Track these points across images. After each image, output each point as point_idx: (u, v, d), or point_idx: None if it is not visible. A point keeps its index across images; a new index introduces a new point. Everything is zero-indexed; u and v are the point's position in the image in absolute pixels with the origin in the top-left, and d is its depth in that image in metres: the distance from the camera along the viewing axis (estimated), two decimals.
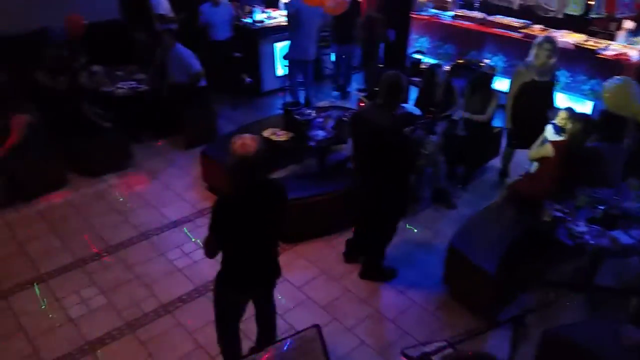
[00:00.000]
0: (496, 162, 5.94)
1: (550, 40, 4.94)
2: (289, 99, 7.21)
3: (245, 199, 2.76)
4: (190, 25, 7.19)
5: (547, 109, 4.86)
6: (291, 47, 6.83)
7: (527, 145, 4.64)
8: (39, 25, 6.07)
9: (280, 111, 5.83)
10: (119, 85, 6.18)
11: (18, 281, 4.25)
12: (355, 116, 3.98)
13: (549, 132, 4.46)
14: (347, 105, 6.64)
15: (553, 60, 4.93)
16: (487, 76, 5.48)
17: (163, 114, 6.40)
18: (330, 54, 7.74)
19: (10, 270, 4.37)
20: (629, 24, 6.48)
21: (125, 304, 4.06)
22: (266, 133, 5.41)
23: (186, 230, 4.87)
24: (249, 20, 7.49)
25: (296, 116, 5.35)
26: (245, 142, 2.63)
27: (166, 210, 5.16)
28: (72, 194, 5.42)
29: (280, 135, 5.39)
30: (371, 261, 4.32)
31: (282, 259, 3.20)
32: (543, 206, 3.88)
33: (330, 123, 5.26)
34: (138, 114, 6.29)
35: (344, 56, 7.54)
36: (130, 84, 6.24)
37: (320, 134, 5.18)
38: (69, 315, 3.94)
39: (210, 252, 2.89)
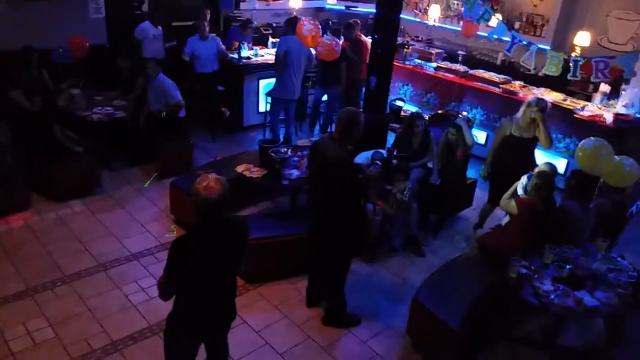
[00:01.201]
0: (468, 212, 5.93)
1: (540, 103, 5.00)
2: (269, 135, 7.19)
3: (204, 237, 2.69)
4: (176, 56, 7.23)
5: (528, 166, 4.89)
6: (277, 85, 6.86)
7: None
8: (22, 45, 6.01)
9: (257, 147, 5.79)
10: (95, 110, 6.11)
11: None
12: (313, 146, 4.01)
13: (520, 185, 4.47)
14: None
15: (535, 119, 4.99)
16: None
17: (138, 142, 6.32)
18: (313, 95, 7.80)
19: None
20: (605, 87, 6.67)
21: (73, 338, 3.85)
22: (240, 168, 5.33)
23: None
24: (235, 56, 7.54)
25: (271, 154, 5.29)
26: (209, 185, 2.60)
27: (128, 242, 4.99)
28: (34, 217, 5.24)
29: (254, 172, 5.31)
30: (333, 306, 4.20)
31: (243, 300, 3.12)
32: (510, 262, 3.82)
33: (306, 163, 5.21)
34: (112, 141, 6.20)
35: (326, 98, 7.59)
36: (108, 110, 6.18)
37: (295, 173, 5.12)
38: (11, 349, 3.71)
39: (164, 295, 2.79)
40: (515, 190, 4.56)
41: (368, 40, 7.19)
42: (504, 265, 3.88)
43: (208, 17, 7.54)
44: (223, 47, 7.33)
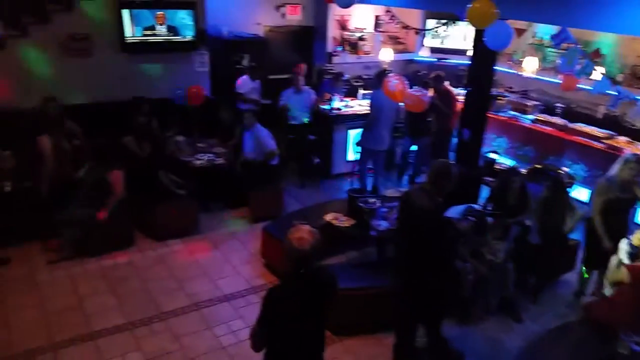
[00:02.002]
0: (570, 276, 5.52)
1: (633, 156, 4.67)
2: (357, 184, 7.26)
3: (294, 288, 2.74)
4: (271, 107, 7.62)
5: (625, 228, 4.52)
6: (367, 136, 6.95)
7: (605, 265, 4.28)
8: (134, 95, 6.62)
9: (346, 196, 5.85)
10: (197, 157, 6.52)
11: (71, 335, 4.34)
12: (403, 196, 3.99)
13: (623, 252, 4.10)
14: None
15: (635, 178, 4.64)
16: (564, 185, 5.24)
17: (233, 187, 6.62)
18: (402, 145, 7.83)
19: (65, 323, 4.49)
20: None
21: None
22: (328, 217, 5.41)
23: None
24: (327, 107, 7.79)
25: (360, 204, 5.32)
26: (303, 237, 2.65)
27: (221, 283, 5.17)
28: (136, 255, 5.59)
29: (342, 221, 5.36)
30: None
31: (328, 353, 3.04)
32: (620, 336, 3.47)
33: (395, 214, 5.17)
34: (210, 185, 6.55)
35: (416, 148, 7.57)
36: (209, 156, 6.57)
37: (383, 224, 5.09)
38: None
39: (256, 345, 2.81)
40: (619, 261, 4.18)
41: (456, 91, 7.19)
42: (612, 339, 3.54)
43: (304, 71, 7.90)
44: (315, 97, 7.61)
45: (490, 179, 6.20)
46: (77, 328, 4.42)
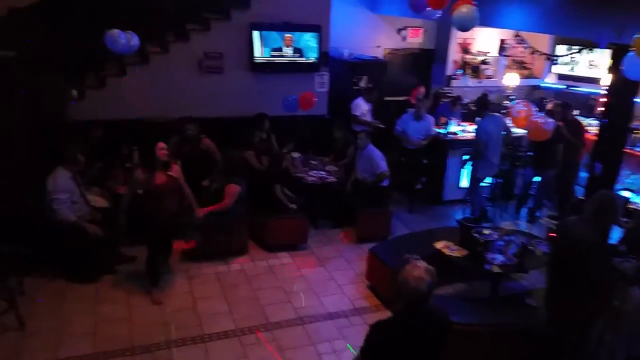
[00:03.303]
0: None
1: None
2: (468, 213, 6.99)
3: (406, 327, 2.64)
4: (386, 130, 7.63)
5: None
6: (476, 164, 6.78)
7: None
8: (257, 112, 6.99)
9: (456, 224, 5.65)
10: (310, 173, 6.70)
11: (184, 335, 4.62)
12: (560, 225, 3.83)
13: None
14: (534, 231, 6.13)
15: None
16: None
17: (342, 205, 6.69)
18: (524, 175, 7.41)
19: (180, 323, 4.79)
20: None
21: None
22: (439, 245, 5.23)
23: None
24: (442, 130, 7.62)
25: (474, 234, 5.09)
26: (421, 276, 2.53)
27: (326, 300, 5.21)
28: (248, 263, 5.85)
29: (453, 250, 5.16)
30: None
31: None
32: None
33: (512, 249, 4.88)
34: (321, 202, 6.68)
35: (539, 180, 7.12)
36: (321, 174, 6.72)
37: (499, 258, 4.81)
38: None
39: None
40: None
41: (585, 121, 6.69)
42: None
43: (423, 94, 7.82)
44: (434, 132, 7.46)
45: (624, 219, 5.62)
46: (190, 329, 4.70)
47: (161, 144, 4.93)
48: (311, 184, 6.54)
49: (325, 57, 7.64)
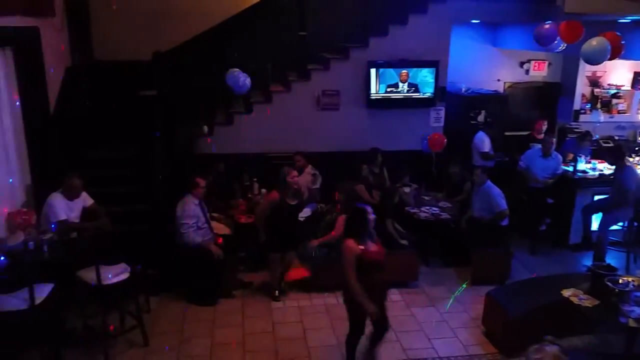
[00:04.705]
0: None
1: None
2: (599, 259, 6.35)
3: None
4: (507, 165, 7.29)
5: None
6: (607, 215, 6.39)
7: None
8: (371, 147, 7.06)
9: (585, 270, 5.15)
10: (423, 209, 6.57)
11: None
12: None
13: None
14: None
15: None
16: None
17: (456, 244, 6.44)
18: None
19: (288, 352, 4.87)
20: None
21: None
22: (567, 292, 4.80)
23: None
24: (570, 168, 7.09)
25: (608, 282, 4.60)
26: None
27: (437, 343, 4.99)
28: None
29: (583, 300, 4.70)
30: None
31: None
32: None
33: None
34: (433, 239, 6.49)
35: None
36: (434, 210, 6.56)
37: (637, 310, 4.29)
38: None
39: None
40: None
41: None
42: None
43: (544, 128, 7.40)
44: (562, 170, 7.03)
45: None
46: (298, 359, 4.76)
47: (293, 172, 5.60)
48: (424, 220, 6.40)
49: (442, 92, 7.56)
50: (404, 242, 6.18)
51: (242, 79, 6.37)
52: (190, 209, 5.41)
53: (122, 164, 6.22)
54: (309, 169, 6.83)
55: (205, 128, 6.93)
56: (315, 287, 5.85)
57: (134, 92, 6.50)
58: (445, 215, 6.47)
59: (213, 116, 7.24)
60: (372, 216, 4.18)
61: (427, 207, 6.63)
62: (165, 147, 6.04)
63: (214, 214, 6.11)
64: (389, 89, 7.37)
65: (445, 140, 7.13)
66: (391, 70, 7.32)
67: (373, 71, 7.23)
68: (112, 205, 5.52)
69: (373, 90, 7.31)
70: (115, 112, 6.59)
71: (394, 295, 5.85)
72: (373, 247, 4.18)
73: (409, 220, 6.51)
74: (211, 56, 6.81)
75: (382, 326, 4.36)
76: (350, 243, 4.07)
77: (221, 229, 5.99)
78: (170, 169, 6.06)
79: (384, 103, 7.42)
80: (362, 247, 4.06)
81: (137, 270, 4.87)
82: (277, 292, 5.74)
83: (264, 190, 6.50)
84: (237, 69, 6.36)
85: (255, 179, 6.67)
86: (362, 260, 4.04)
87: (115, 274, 4.60)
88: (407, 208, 6.65)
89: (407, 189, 6.94)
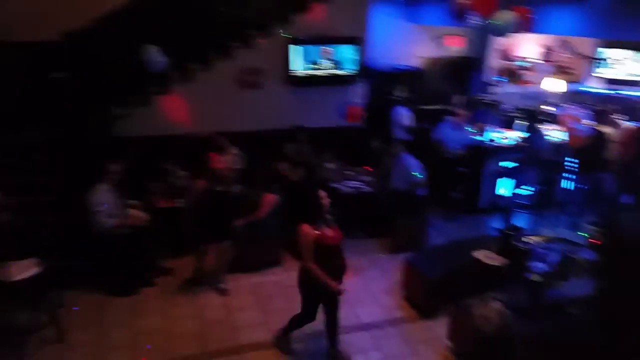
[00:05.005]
0: None
1: None
2: (504, 220, 6.80)
3: None
4: (422, 136, 7.55)
5: None
6: (516, 170, 6.72)
7: None
8: (294, 124, 7.07)
9: (495, 232, 5.49)
10: (346, 184, 6.69)
11: (220, 347, 4.68)
12: (610, 224, 3.79)
13: None
14: (575, 239, 5.87)
15: None
16: None
17: (378, 215, 6.63)
18: (567, 182, 7.15)
19: (216, 334, 4.86)
20: None
21: None
22: (478, 254, 5.12)
23: None
24: (480, 138, 7.46)
25: (515, 242, 4.94)
26: (488, 316, 2.36)
27: (360, 311, 5.16)
28: (282, 274, 5.87)
29: (493, 259, 5.02)
30: None
31: None
32: None
33: (554, 256, 4.71)
34: (356, 212, 6.64)
35: (584, 186, 6.86)
36: (356, 184, 6.70)
37: (540, 266, 4.65)
38: None
39: None
40: None
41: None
42: None
43: (457, 100, 7.72)
44: (471, 140, 7.37)
45: None
46: (226, 340, 4.77)
47: (218, 157, 5.31)
48: (346, 194, 6.53)
49: (363, 68, 7.66)
50: (329, 217, 6.26)
51: (158, 57, 6.13)
52: (102, 195, 5.19)
53: (31, 151, 5.83)
54: (231, 150, 6.74)
55: (119, 110, 6.62)
56: (241, 267, 5.82)
57: (44, 75, 6.07)
58: (366, 189, 6.63)
59: (129, 98, 6.92)
60: (326, 200, 4.10)
61: (350, 182, 6.76)
62: (77, 132, 5.71)
63: (131, 201, 5.90)
64: (310, 66, 7.37)
65: (362, 111, 7.18)
66: (312, 47, 7.30)
67: (294, 48, 7.19)
68: (21, 196, 5.20)
69: (295, 67, 7.28)
70: (23, 96, 6.14)
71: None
72: (329, 232, 4.12)
73: (333, 195, 6.59)
74: (126, 35, 6.46)
75: (334, 313, 4.33)
76: (306, 228, 4.01)
77: (138, 215, 5.79)
78: (84, 154, 5.76)
79: (307, 80, 7.41)
80: (318, 232, 3.99)
81: (48, 264, 4.63)
82: (221, 284, 5.54)
83: (184, 173, 6.34)
84: (154, 47, 6.11)
85: (175, 162, 6.49)
86: (319, 245, 3.98)
87: (22, 270, 4.36)
88: (330, 183, 6.74)
89: (330, 165, 7.03)
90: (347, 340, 4.70)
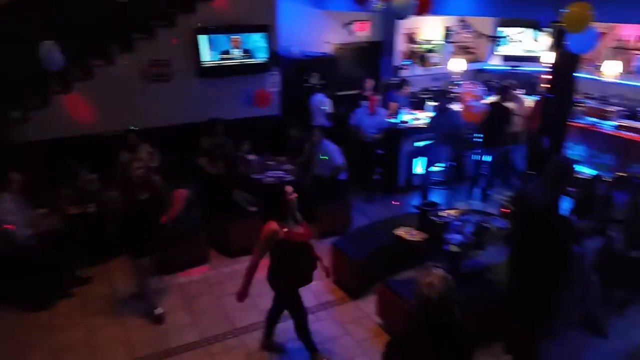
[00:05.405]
0: None
1: None
2: (424, 197, 7.13)
3: (420, 344, 2.48)
4: (341, 122, 7.68)
5: None
6: (429, 148, 7.08)
7: None
8: (210, 117, 6.90)
9: (415, 210, 5.73)
10: (268, 174, 6.65)
11: (149, 352, 4.52)
12: (518, 195, 4.00)
13: None
14: (488, 209, 6.28)
15: None
16: None
17: (303, 203, 6.64)
18: (474, 156, 7.60)
19: (144, 339, 4.68)
20: None
21: None
22: (399, 231, 5.31)
23: None
24: (394, 120, 7.71)
25: (432, 217, 5.18)
26: (432, 283, 2.41)
27: None
28: (210, 271, 5.76)
29: (413, 235, 5.24)
30: None
31: None
32: None
33: (469, 227, 4.99)
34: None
35: (489, 159, 7.32)
36: (278, 174, 6.68)
37: (457, 237, 4.91)
38: None
39: None
40: None
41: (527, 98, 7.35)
42: None
43: (370, 85, 7.91)
44: (387, 124, 7.55)
45: (572, 189, 5.82)
46: (155, 344, 4.60)
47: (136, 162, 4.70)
48: (269, 185, 6.50)
49: (275, 56, 7.61)
50: (253, 209, 6.22)
51: (55, 53, 5.68)
52: (6, 206, 4.79)
53: None
54: (145, 147, 6.45)
55: (17, 114, 6.11)
56: (165, 268, 5.61)
57: None
58: (289, 177, 6.64)
59: (27, 99, 6.39)
60: (293, 196, 3.95)
61: (272, 172, 6.74)
62: None
63: (40, 210, 5.49)
64: (221, 56, 7.21)
65: (270, 95, 7.10)
66: (222, 37, 7.13)
67: (202, 38, 6.98)
68: None
69: (205, 58, 7.08)
70: None
71: (248, 262, 5.89)
72: (298, 229, 3.98)
73: (256, 187, 6.55)
74: (19, 30, 5.93)
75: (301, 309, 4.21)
76: (273, 225, 3.81)
77: (48, 224, 5.40)
78: None
79: (218, 71, 7.24)
80: (285, 229, 3.83)
81: None
82: (156, 309, 4.97)
83: (93, 176, 5.99)
84: (51, 42, 5.65)
85: (82, 165, 6.10)
86: (288, 242, 3.82)
87: None
88: (252, 175, 6.67)
89: (251, 156, 6.96)
90: (281, 329, 4.71)
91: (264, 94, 7.05)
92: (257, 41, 7.37)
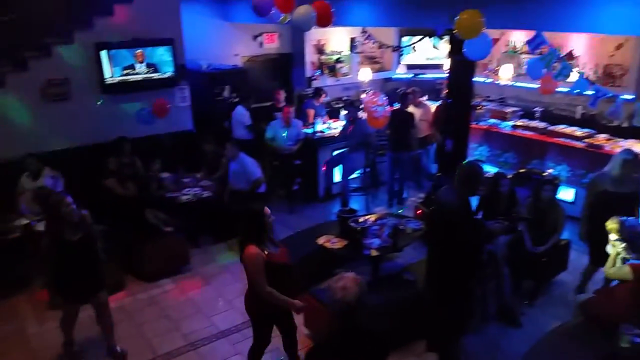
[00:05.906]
0: (564, 276, 5.54)
1: (630, 153, 4.76)
2: (344, 205, 7.26)
3: (339, 348, 2.54)
4: (258, 134, 7.66)
5: None
6: (344, 157, 7.28)
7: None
8: (116, 136, 6.58)
9: (335, 217, 5.82)
10: (184, 192, 6.46)
11: None
12: (431, 199, 4.07)
13: (621, 248, 4.09)
14: (404, 212, 6.55)
15: (633, 174, 4.71)
16: (552, 186, 5.27)
17: (223, 218, 6.55)
18: (386, 162, 7.88)
19: None
20: None
21: None
22: (321, 240, 5.35)
23: None
24: (309, 130, 7.81)
25: (351, 224, 5.29)
26: (346, 286, 2.49)
27: (216, 319, 5.07)
28: (127, 298, 5.47)
29: (334, 243, 5.30)
30: None
31: None
32: (620, 330, 3.45)
33: (386, 231, 5.14)
34: (199, 219, 6.47)
35: (399, 163, 7.62)
36: (195, 190, 6.51)
37: (376, 242, 5.05)
38: None
39: None
40: (617, 254, 4.17)
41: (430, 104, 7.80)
42: (612, 334, 3.51)
43: (282, 97, 7.97)
44: (303, 135, 7.65)
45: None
46: None
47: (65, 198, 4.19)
48: (186, 203, 6.31)
49: (182, 70, 7.42)
50: (169, 229, 6.00)
51: None
52: None
53: None
54: (47, 172, 6.01)
55: None
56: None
57: None
58: (207, 194, 6.49)
59: None
60: (271, 218, 3.75)
61: (188, 189, 6.55)
62: None
63: None
64: (125, 72, 6.90)
65: (168, 105, 6.89)
66: (124, 51, 6.83)
67: (103, 53, 6.66)
68: None
69: (107, 74, 6.74)
70: None
71: (167, 285, 5.72)
72: (277, 251, 3.80)
73: (172, 206, 6.34)
74: None
75: (291, 330, 4.04)
76: (253, 249, 3.56)
77: None
78: None
79: (123, 87, 6.91)
80: (266, 252, 3.61)
81: None
82: (117, 347, 4.57)
83: None
84: None
85: None
86: (270, 266, 3.59)
87: None
88: (166, 194, 6.45)
89: (164, 174, 6.71)
90: (206, 352, 4.59)
91: (162, 103, 6.76)
92: (163, 55, 7.14)
